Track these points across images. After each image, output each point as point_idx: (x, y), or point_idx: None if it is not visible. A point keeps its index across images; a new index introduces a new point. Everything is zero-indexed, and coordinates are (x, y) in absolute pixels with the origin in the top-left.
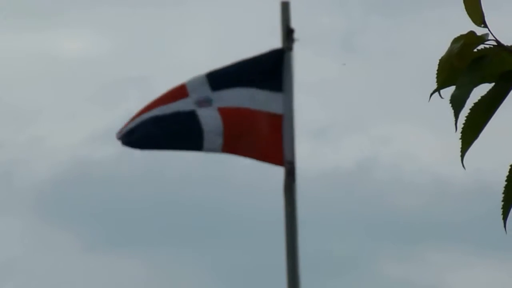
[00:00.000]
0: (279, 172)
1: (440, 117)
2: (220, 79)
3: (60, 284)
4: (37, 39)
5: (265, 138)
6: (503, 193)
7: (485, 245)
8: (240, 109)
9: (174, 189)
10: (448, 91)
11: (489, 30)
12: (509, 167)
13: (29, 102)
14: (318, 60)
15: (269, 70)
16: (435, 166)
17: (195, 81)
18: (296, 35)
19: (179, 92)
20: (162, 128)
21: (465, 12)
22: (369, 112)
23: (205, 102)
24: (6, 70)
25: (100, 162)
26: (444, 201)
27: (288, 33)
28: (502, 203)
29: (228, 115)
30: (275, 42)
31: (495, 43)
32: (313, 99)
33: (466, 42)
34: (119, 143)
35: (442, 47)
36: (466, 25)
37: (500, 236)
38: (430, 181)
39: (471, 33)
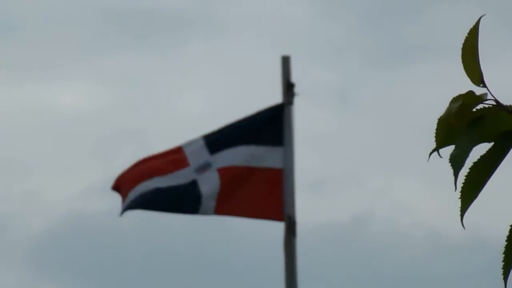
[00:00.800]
0: (278, 226)
1: (437, 172)
2: (219, 141)
3: None
4: (33, 92)
5: (264, 195)
6: (503, 253)
7: None
8: (238, 168)
9: (170, 243)
10: (447, 149)
11: (488, 89)
12: (510, 227)
13: (24, 155)
14: (314, 114)
15: (269, 124)
16: (431, 220)
17: (193, 146)
18: (296, 89)
19: (179, 161)
20: (162, 195)
21: (463, 70)
22: (365, 165)
23: (205, 168)
24: (1, 123)
25: (94, 215)
26: (440, 255)
27: (288, 87)
28: (503, 263)
29: (227, 174)
30: (275, 95)
31: (494, 103)
32: (309, 152)
33: (465, 102)
34: (119, 205)
35: (437, 101)
36: (460, 78)
37: None
38: (426, 235)
39: (470, 92)
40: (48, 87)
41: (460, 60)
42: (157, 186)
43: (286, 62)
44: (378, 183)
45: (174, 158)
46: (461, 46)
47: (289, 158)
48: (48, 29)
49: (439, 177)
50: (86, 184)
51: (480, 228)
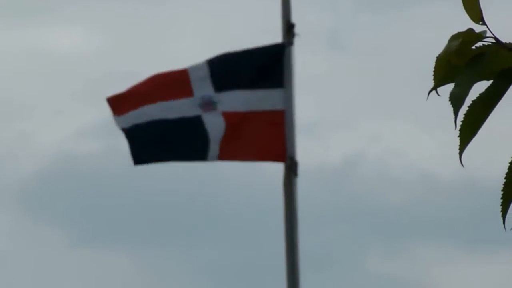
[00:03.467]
0: (275, 167)
1: (429, 115)
2: (223, 78)
3: (47, 279)
4: (27, 36)
5: (265, 137)
6: (502, 190)
7: (472, 240)
8: (240, 113)
9: (165, 185)
10: (445, 89)
11: (487, 27)
12: (509, 165)
13: (17, 97)
14: (307, 56)
15: (270, 66)
16: (423, 162)
17: (198, 72)
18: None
19: (183, 87)
20: (168, 139)
21: (463, 9)
22: (358, 108)
23: (210, 106)
24: None
25: (87, 157)
26: (431, 197)
27: (288, 28)
28: (501, 200)
29: (231, 120)
30: (274, 37)
31: (493, 41)
32: (302, 95)
33: (465, 39)
34: (119, 131)
35: (430, 44)
36: (453, 21)
37: (487, 231)
38: (418, 177)
39: (470, 30)
40: (41, 30)
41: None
42: (162, 116)
43: (286, 2)
44: (370, 126)
45: (178, 81)
46: None
47: (289, 99)
48: None
49: (432, 120)
50: (77, 126)
51: (471, 169)
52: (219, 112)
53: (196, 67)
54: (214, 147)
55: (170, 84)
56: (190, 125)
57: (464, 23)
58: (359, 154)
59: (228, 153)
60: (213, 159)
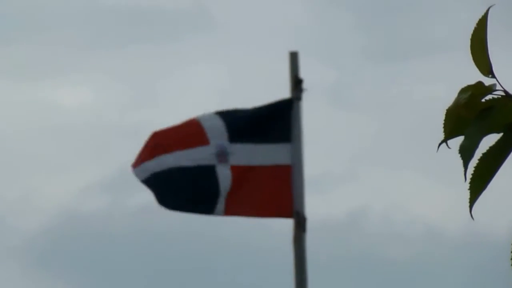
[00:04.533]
0: (287, 222)
1: (434, 168)
2: (236, 128)
3: None
4: (31, 89)
5: (272, 192)
6: (511, 243)
7: None
8: (248, 168)
9: (171, 242)
10: (454, 141)
11: (497, 80)
12: None
13: (22, 153)
14: (311, 110)
15: (277, 121)
16: (429, 217)
17: (211, 122)
18: (305, 85)
19: (198, 136)
20: (184, 187)
21: (471, 62)
22: (362, 162)
23: (224, 157)
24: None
25: (91, 215)
26: (436, 252)
27: (296, 83)
28: (511, 253)
29: (238, 174)
30: (283, 92)
31: (503, 93)
32: (308, 148)
33: (474, 92)
34: (138, 180)
35: (435, 97)
36: (459, 74)
37: (490, 284)
38: (423, 232)
39: (479, 83)
40: (46, 83)
41: (464, 55)
42: (177, 165)
43: (294, 57)
44: (375, 180)
45: (192, 130)
46: (468, 39)
47: (297, 153)
48: (47, 26)
49: (438, 174)
50: (82, 184)
51: (479, 224)
52: (229, 165)
53: (207, 117)
54: (221, 201)
55: (184, 134)
56: (204, 175)
57: (472, 75)
58: (364, 208)
59: (234, 208)
60: (219, 214)
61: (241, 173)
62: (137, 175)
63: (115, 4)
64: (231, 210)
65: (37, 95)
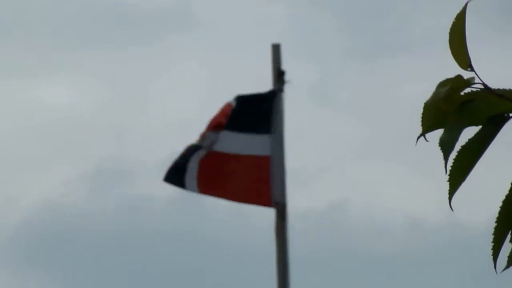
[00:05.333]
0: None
1: (415, 161)
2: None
3: None
4: (17, 87)
5: (251, 181)
6: (493, 234)
7: (456, 284)
8: (228, 155)
9: (155, 230)
10: (433, 135)
11: (476, 73)
12: (499, 209)
13: (5, 150)
14: (293, 104)
15: (259, 112)
16: (408, 208)
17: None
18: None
19: (221, 119)
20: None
21: (450, 56)
22: (343, 155)
23: (210, 143)
24: None
25: (72, 209)
26: (417, 243)
27: (279, 75)
28: (492, 243)
29: (208, 158)
30: (265, 84)
31: (482, 87)
32: (289, 141)
33: (453, 86)
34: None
35: (415, 92)
36: (439, 68)
37: (476, 275)
38: (403, 223)
39: (458, 77)
40: (31, 83)
41: (445, 51)
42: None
43: (276, 49)
44: (356, 173)
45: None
46: (446, 35)
47: (279, 145)
48: (33, 27)
49: (418, 167)
50: (63, 179)
51: (460, 215)
52: (205, 149)
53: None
54: (191, 179)
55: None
56: (189, 152)
57: (453, 71)
58: (345, 201)
59: (210, 188)
60: (194, 191)
61: (221, 159)
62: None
63: (99, 4)
64: (207, 190)
65: (22, 93)
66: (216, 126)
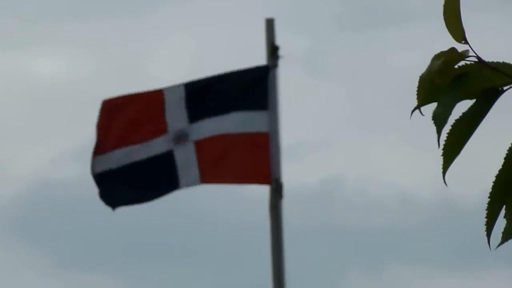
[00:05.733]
0: (264, 189)
1: (409, 135)
2: (201, 103)
3: None
4: (6, 58)
5: (250, 160)
6: (486, 209)
7: (453, 260)
8: (217, 137)
9: (148, 207)
10: (428, 108)
11: (470, 46)
12: (492, 184)
13: None
14: (286, 78)
15: (254, 88)
16: (402, 183)
17: (174, 95)
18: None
19: (158, 123)
20: (138, 181)
21: (444, 28)
22: (337, 130)
23: (182, 138)
24: None
25: (63, 183)
26: (411, 218)
27: (273, 50)
28: (486, 219)
29: (204, 146)
30: (259, 60)
31: (476, 60)
32: (284, 115)
33: (447, 59)
34: (91, 170)
35: (409, 64)
36: (434, 40)
37: (468, 251)
38: (396, 199)
39: (452, 50)
40: (22, 53)
41: (439, 22)
42: (133, 160)
43: (270, 24)
44: (350, 148)
45: (153, 114)
46: (442, 7)
47: (274, 121)
48: None
49: (412, 141)
50: (54, 152)
51: (453, 189)
52: (190, 142)
53: (173, 90)
54: (188, 172)
55: (146, 120)
56: (160, 162)
57: (446, 42)
58: (338, 176)
59: (211, 175)
60: (193, 184)
61: (208, 144)
62: (95, 164)
63: None
64: (209, 177)
65: (11, 64)
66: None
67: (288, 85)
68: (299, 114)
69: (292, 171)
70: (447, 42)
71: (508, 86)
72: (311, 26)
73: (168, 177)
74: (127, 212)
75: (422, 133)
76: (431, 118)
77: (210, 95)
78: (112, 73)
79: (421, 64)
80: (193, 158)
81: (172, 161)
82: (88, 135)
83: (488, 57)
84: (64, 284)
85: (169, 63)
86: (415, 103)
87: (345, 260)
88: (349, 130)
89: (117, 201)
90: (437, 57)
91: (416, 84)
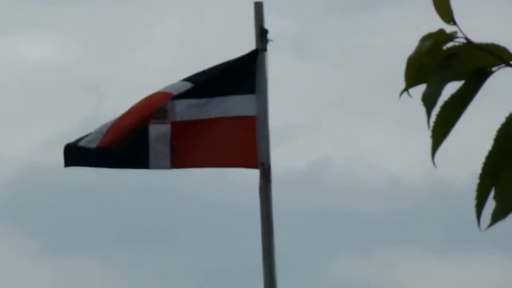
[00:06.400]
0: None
1: (397, 118)
2: (188, 86)
3: (18, 285)
4: None
5: (236, 143)
6: (476, 190)
7: (441, 243)
8: (201, 121)
9: (139, 191)
10: (416, 90)
11: (458, 27)
12: (482, 165)
13: None
14: (274, 61)
15: (241, 72)
16: (390, 166)
17: (176, 93)
18: (270, 35)
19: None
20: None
21: (432, 10)
22: (324, 113)
23: (161, 115)
24: None
25: (53, 168)
26: (399, 201)
27: (262, 34)
28: (476, 200)
29: (182, 128)
30: (248, 43)
31: (465, 41)
32: (272, 99)
33: (436, 40)
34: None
35: (397, 46)
36: (421, 22)
37: (456, 233)
38: (384, 181)
39: (441, 31)
40: (12, 38)
41: (427, 3)
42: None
43: (259, 8)
44: (338, 131)
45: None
46: None
47: (263, 104)
48: None
49: (400, 124)
50: (44, 137)
51: (442, 171)
52: (168, 123)
53: (176, 87)
54: (159, 156)
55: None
56: (134, 136)
57: (434, 24)
58: (326, 159)
59: (190, 159)
60: (162, 167)
61: (187, 128)
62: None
63: None
64: (183, 162)
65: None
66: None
67: (276, 68)
68: (287, 97)
69: (280, 154)
70: (435, 23)
71: (497, 67)
72: (299, 8)
73: (139, 153)
74: (116, 195)
75: (411, 115)
76: (421, 100)
77: (199, 79)
78: (100, 58)
79: (409, 46)
80: (165, 141)
81: (145, 139)
82: (77, 119)
83: (477, 38)
84: (51, 268)
85: (158, 47)
86: (401, 84)
87: (334, 243)
88: (337, 113)
89: (76, 159)
90: (425, 38)
91: (404, 65)
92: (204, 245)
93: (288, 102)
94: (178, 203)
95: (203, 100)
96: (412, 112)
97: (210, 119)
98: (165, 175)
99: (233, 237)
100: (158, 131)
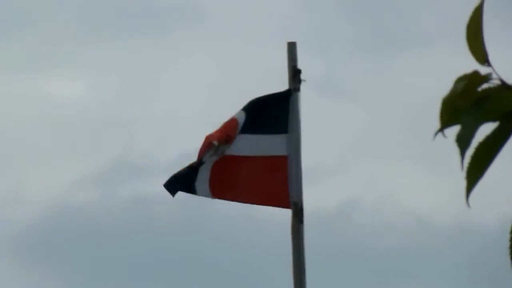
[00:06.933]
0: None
1: (426, 159)
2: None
3: None
4: (26, 81)
5: (269, 182)
6: (510, 232)
7: (468, 283)
8: (244, 157)
9: (167, 232)
10: (451, 130)
11: (493, 69)
12: None
13: (14, 145)
14: (304, 101)
15: (274, 111)
16: (419, 207)
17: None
18: (303, 76)
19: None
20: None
21: (467, 51)
22: (354, 154)
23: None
24: None
25: (82, 207)
26: (427, 243)
27: (294, 74)
28: (510, 242)
29: (219, 163)
30: (280, 82)
31: (499, 82)
32: (305, 139)
33: (470, 81)
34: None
35: (426, 88)
36: (451, 64)
37: (484, 275)
38: (413, 222)
39: (475, 72)
40: (43, 75)
41: (456, 45)
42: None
43: (292, 48)
44: (367, 171)
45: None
46: (459, 30)
47: (295, 144)
48: (43, 21)
49: (430, 164)
50: (73, 176)
51: (467, 214)
52: (215, 156)
53: (239, 114)
54: (202, 185)
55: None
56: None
57: (463, 65)
58: (356, 199)
59: (226, 193)
60: (205, 196)
61: (236, 162)
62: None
63: None
64: (220, 194)
65: (31, 87)
66: (223, 139)
67: (306, 108)
68: (317, 137)
69: (310, 194)
70: (464, 65)
71: None
72: (327, 49)
73: (186, 178)
74: (144, 234)
75: (440, 157)
76: (455, 141)
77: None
78: (131, 97)
79: (440, 87)
80: (207, 171)
81: (199, 168)
82: (107, 158)
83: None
84: None
85: (191, 86)
86: (431, 125)
87: (363, 280)
88: (365, 153)
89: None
90: (460, 79)
91: (439, 106)
92: (235, 285)
93: (317, 142)
94: (209, 243)
95: (245, 136)
96: (441, 154)
97: (243, 156)
98: (194, 215)
99: (263, 277)
100: (206, 163)
